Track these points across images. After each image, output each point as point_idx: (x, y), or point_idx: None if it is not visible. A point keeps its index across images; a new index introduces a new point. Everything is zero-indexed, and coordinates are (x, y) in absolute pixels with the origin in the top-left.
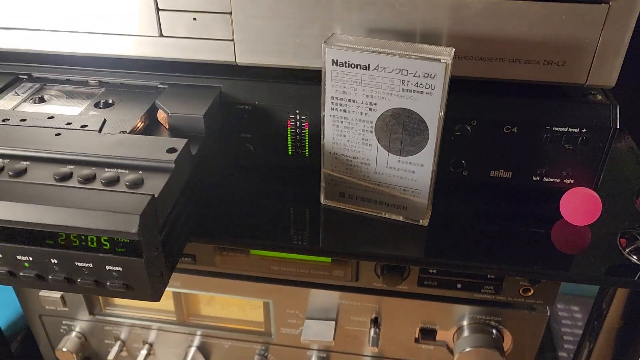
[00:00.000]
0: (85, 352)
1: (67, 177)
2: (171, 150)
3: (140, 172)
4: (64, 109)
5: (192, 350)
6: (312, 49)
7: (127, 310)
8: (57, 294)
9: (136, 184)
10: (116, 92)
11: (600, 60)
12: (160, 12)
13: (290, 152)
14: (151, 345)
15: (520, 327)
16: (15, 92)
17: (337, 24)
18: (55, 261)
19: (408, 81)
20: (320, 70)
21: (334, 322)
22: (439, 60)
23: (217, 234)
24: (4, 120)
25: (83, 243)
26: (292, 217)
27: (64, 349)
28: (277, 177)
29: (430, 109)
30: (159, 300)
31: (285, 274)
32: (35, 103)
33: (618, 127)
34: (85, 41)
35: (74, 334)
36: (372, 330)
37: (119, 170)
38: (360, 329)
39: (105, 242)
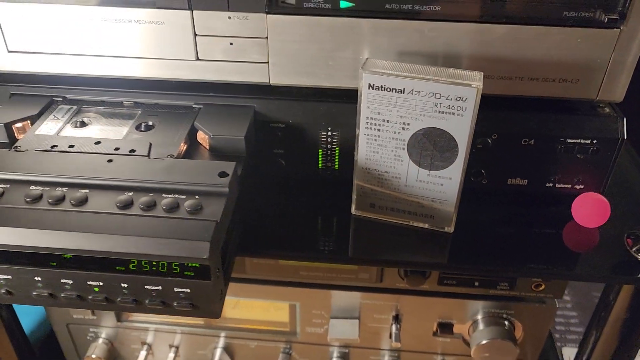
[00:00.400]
0: (111, 357)
1: (129, 204)
2: (222, 174)
3: (197, 197)
4: (107, 132)
5: (219, 351)
6: (344, 70)
7: (154, 316)
8: None
9: (196, 210)
10: (153, 114)
11: (610, 78)
12: (197, 37)
13: (320, 166)
14: (177, 347)
15: (531, 318)
16: (54, 116)
17: (367, 47)
18: (125, 285)
19: (441, 104)
20: (350, 89)
21: (357, 321)
22: (470, 85)
23: (259, 249)
24: (52, 147)
25: (154, 268)
26: (327, 227)
27: (93, 356)
28: (308, 189)
29: (461, 129)
30: (220, 316)
31: (313, 278)
32: (76, 127)
33: (625, 137)
34: (121, 65)
35: (100, 340)
36: (394, 327)
37: (176, 196)
38: (382, 326)
39: (175, 267)
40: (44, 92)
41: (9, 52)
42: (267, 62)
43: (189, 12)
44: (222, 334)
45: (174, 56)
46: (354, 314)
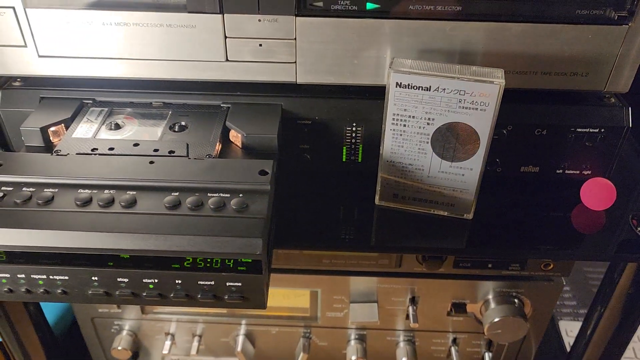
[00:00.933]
0: (135, 349)
1: (177, 204)
2: (263, 173)
3: (240, 195)
4: (142, 133)
5: (241, 338)
6: (367, 68)
7: (177, 307)
8: None
9: (243, 208)
10: (183, 114)
11: (618, 71)
12: (227, 40)
13: (344, 159)
14: (200, 336)
15: (540, 296)
16: (87, 119)
17: (390, 46)
18: (180, 282)
19: (465, 99)
20: (373, 86)
21: (376, 304)
22: (492, 82)
23: (291, 241)
24: (93, 150)
25: (208, 265)
26: (352, 218)
27: (119, 348)
28: (333, 182)
29: (483, 123)
30: (266, 307)
31: (335, 266)
32: (112, 129)
33: (630, 125)
34: (150, 67)
35: (124, 332)
36: (411, 309)
37: (221, 195)
38: (398, 308)
39: (228, 263)
40: (74, 95)
41: (40, 56)
42: (295, 62)
43: (220, 15)
44: (243, 321)
45: (204, 58)
46: (372, 298)
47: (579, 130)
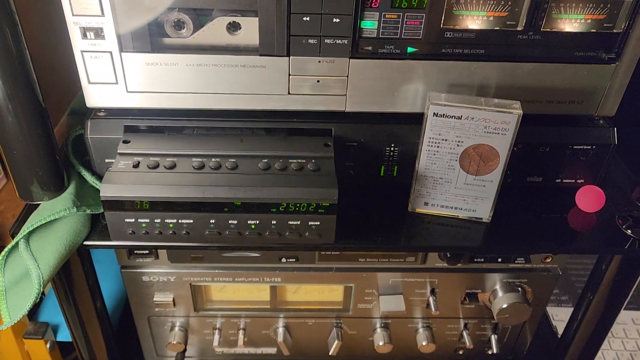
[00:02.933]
0: (186, 344)
1: (268, 167)
2: (327, 145)
3: (313, 160)
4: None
5: (280, 330)
6: (405, 99)
7: (225, 304)
8: (169, 297)
9: (317, 169)
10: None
11: (606, 99)
12: (290, 77)
13: (382, 174)
14: (244, 330)
15: (539, 284)
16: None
17: (424, 81)
18: (275, 222)
19: (489, 126)
20: (409, 114)
21: (402, 295)
22: (511, 112)
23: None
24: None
25: (297, 208)
26: (387, 221)
27: (174, 342)
28: (372, 192)
29: (504, 144)
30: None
31: (369, 263)
32: None
33: (616, 142)
34: (223, 99)
35: (177, 328)
36: (432, 299)
37: (299, 160)
38: (419, 299)
39: (311, 207)
40: (155, 123)
41: (128, 92)
42: (345, 95)
43: (287, 58)
44: (282, 315)
45: (270, 92)
46: (398, 290)
47: (575, 147)
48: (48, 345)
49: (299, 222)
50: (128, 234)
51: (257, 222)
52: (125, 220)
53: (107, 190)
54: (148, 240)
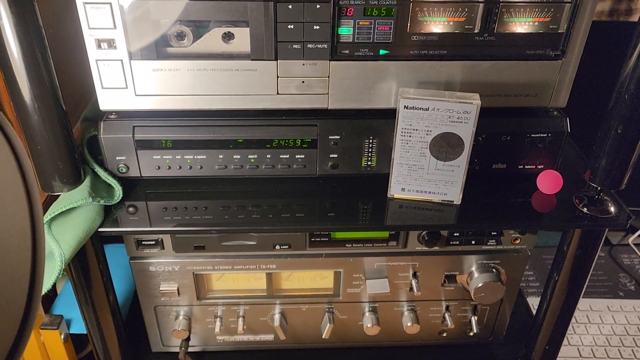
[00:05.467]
0: (189, 330)
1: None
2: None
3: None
4: None
5: (277, 316)
6: (380, 96)
7: (226, 292)
8: (174, 286)
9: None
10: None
11: (557, 92)
12: (279, 79)
13: (362, 164)
14: (243, 317)
15: (511, 265)
16: None
17: (396, 79)
18: (269, 156)
19: (453, 116)
20: (384, 109)
21: (387, 279)
22: (472, 103)
23: (328, 223)
24: None
25: (286, 144)
26: (370, 206)
27: (179, 329)
28: (355, 182)
29: (466, 131)
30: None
31: (355, 249)
32: None
33: (569, 131)
34: (220, 100)
35: (181, 317)
36: (414, 281)
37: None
38: (403, 282)
39: (297, 142)
40: (161, 124)
41: (136, 95)
42: (327, 93)
43: (275, 62)
44: (278, 301)
45: (260, 92)
46: (383, 274)
47: (533, 135)
48: (62, 337)
49: (287, 156)
50: (155, 168)
51: (255, 156)
52: (153, 157)
53: (139, 132)
54: (169, 173)
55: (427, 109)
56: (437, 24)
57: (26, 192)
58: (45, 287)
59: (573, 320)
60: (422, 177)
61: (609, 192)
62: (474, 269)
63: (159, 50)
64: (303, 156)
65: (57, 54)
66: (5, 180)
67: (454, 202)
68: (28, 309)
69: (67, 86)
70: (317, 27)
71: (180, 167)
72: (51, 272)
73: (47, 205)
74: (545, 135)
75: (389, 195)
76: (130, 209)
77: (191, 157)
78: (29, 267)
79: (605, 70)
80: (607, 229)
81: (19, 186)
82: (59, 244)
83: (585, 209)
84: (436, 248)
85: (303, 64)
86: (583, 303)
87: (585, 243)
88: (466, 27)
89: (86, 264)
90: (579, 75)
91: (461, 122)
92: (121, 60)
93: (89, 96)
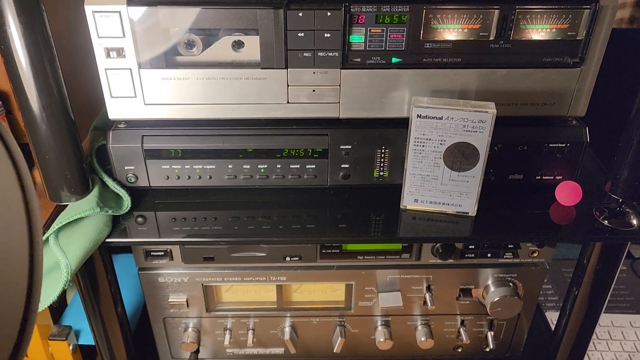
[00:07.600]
0: (198, 343)
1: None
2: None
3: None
4: None
5: (287, 329)
6: (392, 105)
7: (235, 305)
8: (183, 298)
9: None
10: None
11: (576, 100)
12: (289, 87)
13: (375, 175)
14: (253, 330)
15: (529, 278)
16: None
17: (409, 88)
18: (279, 166)
19: (467, 125)
20: (396, 118)
21: (399, 292)
22: (487, 112)
23: (339, 235)
24: None
25: (297, 154)
26: (382, 218)
27: (188, 341)
28: (367, 193)
29: (481, 141)
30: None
31: (367, 261)
32: None
33: (589, 140)
34: (230, 109)
35: (190, 329)
36: (427, 295)
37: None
38: (416, 295)
39: (308, 152)
40: (169, 133)
41: (145, 104)
42: (338, 102)
43: (285, 70)
44: (288, 314)
45: (270, 101)
46: (396, 287)
47: (551, 145)
48: (71, 348)
49: (298, 166)
50: (164, 178)
51: (266, 166)
52: (162, 166)
53: (148, 141)
54: (178, 183)
55: (440, 118)
56: (450, 31)
57: (25, 204)
58: (51, 298)
59: (594, 336)
60: (435, 187)
61: (630, 204)
62: (490, 282)
63: (168, 59)
64: (314, 166)
65: (69, 63)
66: (3, 192)
67: (469, 214)
68: (24, 327)
69: (79, 96)
70: (328, 35)
71: (189, 177)
72: (57, 283)
73: (55, 215)
74: (563, 145)
75: (401, 207)
76: (139, 219)
77: (200, 166)
78: (25, 282)
79: (625, 78)
80: (629, 242)
81: (17, 197)
82: (66, 255)
83: (606, 222)
84: (451, 261)
85: (314, 73)
86: (604, 319)
87: (606, 256)
88: (481, 34)
89: (94, 274)
90: (599, 84)
91: (476, 131)
92: (130, 69)
93: (101, 106)
